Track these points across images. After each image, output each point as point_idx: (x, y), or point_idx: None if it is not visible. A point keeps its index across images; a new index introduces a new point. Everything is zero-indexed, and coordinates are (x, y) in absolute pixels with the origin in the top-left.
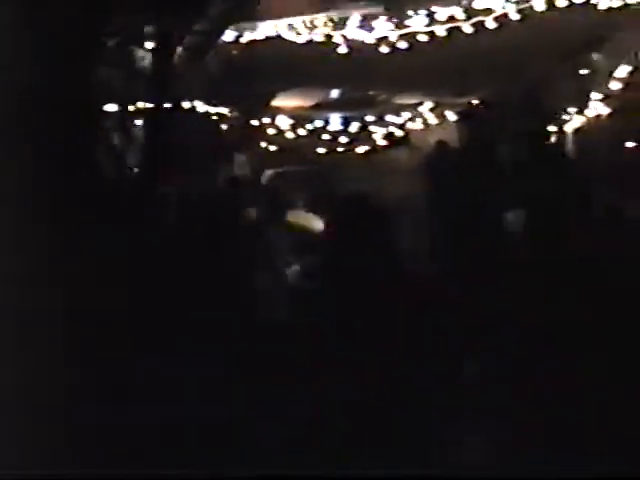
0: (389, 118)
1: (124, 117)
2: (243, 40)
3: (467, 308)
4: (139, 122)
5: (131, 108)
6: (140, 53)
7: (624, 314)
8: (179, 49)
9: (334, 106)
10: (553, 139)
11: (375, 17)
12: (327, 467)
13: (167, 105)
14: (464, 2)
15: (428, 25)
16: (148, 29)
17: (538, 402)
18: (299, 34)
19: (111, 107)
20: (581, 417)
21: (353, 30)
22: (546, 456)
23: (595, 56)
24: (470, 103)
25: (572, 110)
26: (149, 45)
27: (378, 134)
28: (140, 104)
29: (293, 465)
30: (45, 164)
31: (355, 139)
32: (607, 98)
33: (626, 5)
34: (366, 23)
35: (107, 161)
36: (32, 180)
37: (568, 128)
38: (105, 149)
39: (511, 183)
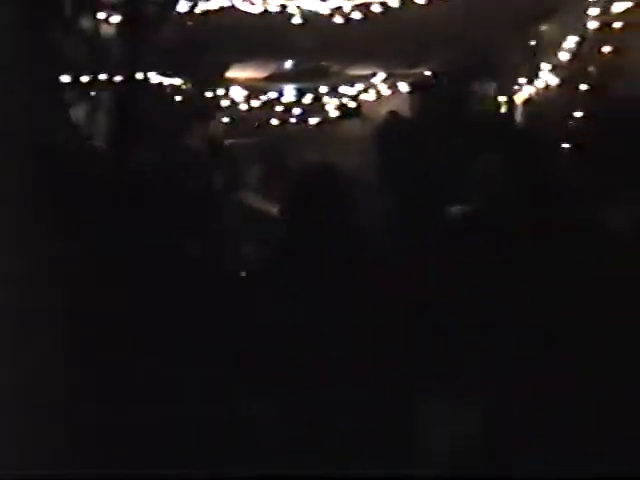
0: (342, 89)
1: (79, 89)
2: (197, 10)
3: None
4: (94, 94)
5: (86, 80)
6: (94, 24)
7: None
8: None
9: (288, 77)
10: (504, 109)
11: None
12: (327, 467)
13: (121, 77)
14: None
15: None
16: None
17: (538, 401)
18: (253, 4)
19: (65, 79)
20: (581, 417)
21: (307, 0)
22: (546, 456)
23: (546, 27)
24: (422, 74)
25: (523, 81)
26: (103, 16)
27: (331, 105)
28: (94, 76)
29: (293, 465)
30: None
31: (309, 110)
32: (556, 68)
33: None
34: None
35: (62, 133)
36: None
37: (519, 98)
38: (59, 121)
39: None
